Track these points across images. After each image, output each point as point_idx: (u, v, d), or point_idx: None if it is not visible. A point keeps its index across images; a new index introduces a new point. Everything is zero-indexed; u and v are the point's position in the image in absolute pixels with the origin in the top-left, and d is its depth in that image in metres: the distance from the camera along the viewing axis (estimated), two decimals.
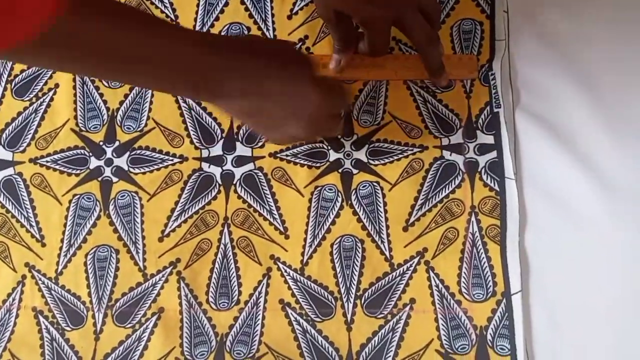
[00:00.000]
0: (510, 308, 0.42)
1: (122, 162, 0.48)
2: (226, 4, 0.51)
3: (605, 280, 0.42)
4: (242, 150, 0.47)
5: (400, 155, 0.46)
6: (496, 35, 0.47)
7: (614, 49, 0.46)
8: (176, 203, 0.47)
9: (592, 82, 0.45)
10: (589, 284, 0.42)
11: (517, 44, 0.48)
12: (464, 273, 0.43)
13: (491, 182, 0.44)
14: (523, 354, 0.41)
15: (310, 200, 0.46)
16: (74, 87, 0.49)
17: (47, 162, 0.49)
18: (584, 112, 0.45)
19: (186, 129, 0.48)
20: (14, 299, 0.46)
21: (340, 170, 0.46)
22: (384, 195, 0.45)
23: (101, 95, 0.49)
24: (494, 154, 0.45)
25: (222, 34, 0.50)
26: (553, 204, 0.44)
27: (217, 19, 0.51)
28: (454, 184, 0.45)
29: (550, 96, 0.46)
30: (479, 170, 0.45)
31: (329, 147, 0.47)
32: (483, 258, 0.43)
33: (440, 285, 0.43)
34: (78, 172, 0.48)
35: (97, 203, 0.47)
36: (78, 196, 0.47)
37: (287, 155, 0.47)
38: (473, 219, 0.44)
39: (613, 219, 0.43)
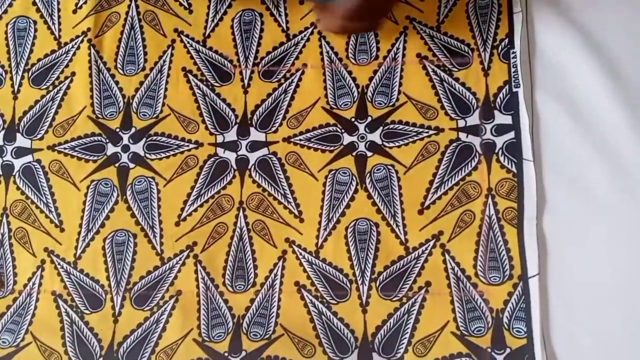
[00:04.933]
0: (527, 291, 0.44)
1: (138, 148, 0.52)
2: None
3: (623, 264, 0.44)
4: (256, 135, 0.51)
5: (416, 138, 0.48)
6: (513, 7, 0.49)
7: (634, 25, 0.48)
8: (192, 188, 0.50)
9: (611, 59, 0.47)
10: (606, 267, 0.44)
11: (534, 18, 0.49)
12: (480, 256, 0.46)
13: (508, 163, 0.47)
14: (540, 337, 0.44)
15: (324, 184, 0.49)
16: (90, 75, 0.53)
17: (65, 149, 0.53)
18: (603, 92, 0.46)
19: (201, 115, 0.52)
20: (34, 284, 0.51)
21: (354, 154, 0.49)
22: (398, 179, 0.48)
23: (117, 82, 0.53)
24: (511, 134, 0.47)
25: (235, 21, 0.53)
26: (572, 186, 0.46)
27: (229, 5, 0.54)
28: (470, 166, 0.47)
29: (570, 75, 0.47)
30: (496, 151, 0.47)
31: (343, 131, 0.50)
32: (500, 241, 0.46)
33: (456, 269, 0.46)
34: (95, 158, 0.52)
35: (115, 189, 0.51)
36: (96, 182, 0.51)
37: (300, 140, 0.50)
38: (490, 201, 0.47)
39: (631, 203, 0.45)
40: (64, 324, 0.49)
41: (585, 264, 0.45)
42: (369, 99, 0.50)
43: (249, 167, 0.50)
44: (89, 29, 0.54)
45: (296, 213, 0.49)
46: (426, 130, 0.48)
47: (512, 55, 0.49)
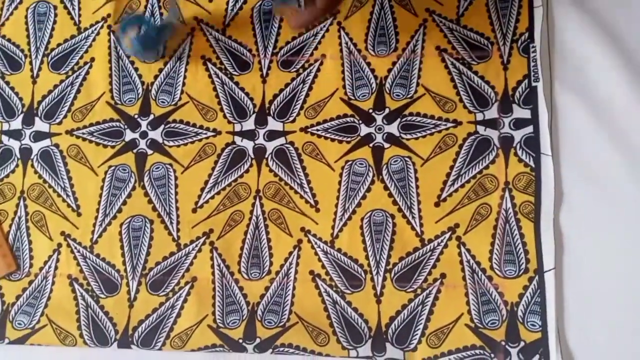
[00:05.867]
0: (542, 285, 0.45)
1: (156, 134, 0.52)
2: None
3: None
4: (273, 124, 0.51)
5: (434, 130, 0.49)
6: (534, 1, 0.50)
7: None
8: (209, 175, 0.50)
9: (632, 54, 0.47)
10: (623, 262, 0.44)
11: (554, 12, 0.50)
12: (496, 249, 0.46)
13: (526, 157, 0.47)
14: (554, 330, 0.44)
15: (341, 175, 0.49)
16: (109, 61, 0.54)
17: (84, 134, 0.53)
18: (623, 87, 0.47)
19: (219, 103, 0.52)
20: (50, 267, 0.51)
21: (371, 145, 0.49)
22: (415, 171, 0.48)
23: (136, 69, 0.53)
24: (529, 128, 0.47)
25: (254, 10, 0.53)
26: (590, 181, 0.46)
27: None
28: (488, 159, 0.47)
29: (590, 70, 0.48)
30: (514, 145, 0.47)
31: (360, 122, 0.50)
32: (516, 235, 0.46)
33: (472, 261, 0.46)
34: (113, 144, 0.52)
35: (132, 174, 0.51)
36: (113, 167, 0.52)
37: (317, 130, 0.50)
38: (507, 195, 0.47)
39: None
40: (79, 308, 0.50)
41: (602, 258, 0.45)
42: (387, 91, 0.50)
43: (266, 156, 0.50)
44: (109, 15, 0.54)
45: (312, 203, 0.49)
46: (444, 123, 0.49)
47: (531, 50, 0.49)
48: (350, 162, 0.49)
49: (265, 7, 0.53)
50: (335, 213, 0.49)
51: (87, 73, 0.54)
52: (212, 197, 0.50)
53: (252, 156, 0.51)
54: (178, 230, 0.50)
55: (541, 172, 0.46)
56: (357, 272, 0.47)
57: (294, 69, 0.52)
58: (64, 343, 0.49)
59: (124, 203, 0.51)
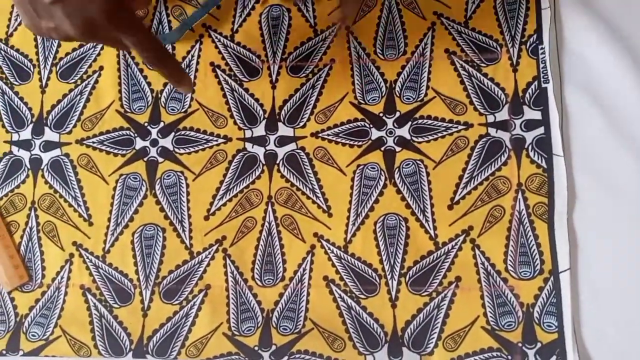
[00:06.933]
0: (558, 286, 0.45)
1: (167, 142, 0.52)
2: None
3: None
4: (284, 130, 0.51)
5: (445, 133, 0.49)
6: (541, 3, 0.50)
7: None
8: (221, 182, 0.50)
9: (639, 52, 0.48)
10: (637, 261, 0.44)
11: (562, 14, 0.50)
12: (511, 251, 0.46)
13: (538, 159, 0.47)
14: (571, 331, 0.44)
15: (352, 179, 0.49)
16: (118, 70, 0.54)
17: (94, 142, 0.53)
18: (632, 87, 0.47)
19: (229, 109, 0.52)
20: (62, 277, 0.51)
21: (382, 149, 0.49)
22: (428, 174, 0.48)
23: (145, 77, 0.54)
24: (541, 130, 0.47)
25: (263, 16, 0.54)
26: (602, 181, 0.46)
27: (257, 1, 0.54)
28: (500, 161, 0.48)
29: (599, 70, 0.48)
30: (526, 147, 0.47)
31: (371, 126, 0.50)
32: (530, 236, 0.46)
33: (486, 263, 0.46)
34: (124, 152, 0.52)
35: (144, 183, 0.51)
36: (124, 176, 0.52)
37: (328, 135, 0.50)
38: (520, 196, 0.47)
39: None
40: (93, 318, 0.50)
41: (616, 258, 0.45)
42: (397, 94, 0.50)
43: (278, 162, 0.50)
44: None
45: (325, 208, 0.49)
46: (455, 126, 0.49)
47: (540, 51, 0.49)
48: (361, 167, 0.49)
49: (273, 12, 0.54)
50: (348, 218, 0.49)
51: (96, 82, 0.54)
52: (224, 204, 0.50)
53: (263, 162, 0.51)
54: (190, 238, 0.50)
55: (554, 173, 0.46)
56: (372, 276, 0.47)
57: (304, 74, 0.52)
58: (78, 354, 0.49)
59: (136, 212, 0.51)
